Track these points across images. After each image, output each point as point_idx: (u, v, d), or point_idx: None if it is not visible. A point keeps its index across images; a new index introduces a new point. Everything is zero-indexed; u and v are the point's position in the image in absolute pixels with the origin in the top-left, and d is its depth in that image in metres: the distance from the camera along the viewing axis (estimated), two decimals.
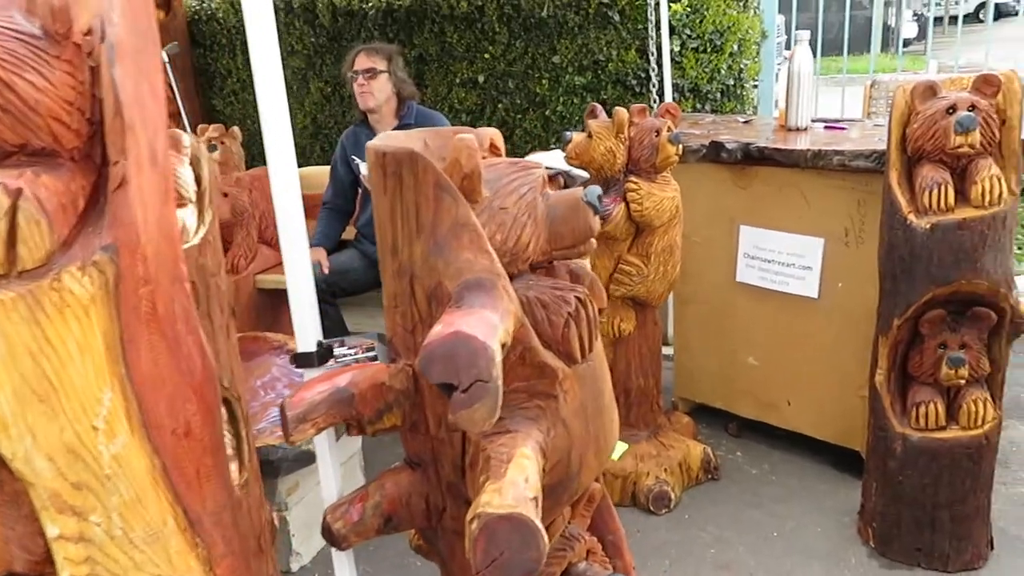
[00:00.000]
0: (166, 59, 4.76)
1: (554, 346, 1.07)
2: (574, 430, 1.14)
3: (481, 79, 4.38)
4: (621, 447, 2.54)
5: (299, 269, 1.24)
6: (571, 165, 2.38)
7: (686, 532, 2.41)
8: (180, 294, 1.05)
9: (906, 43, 15.93)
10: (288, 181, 1.21)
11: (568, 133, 2.32)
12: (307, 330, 1.27)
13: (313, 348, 1.28)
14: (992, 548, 2.20)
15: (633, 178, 2.30)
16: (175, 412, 1.00)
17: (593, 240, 1.13)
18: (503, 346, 0.96)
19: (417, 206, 1.06)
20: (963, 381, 2.06)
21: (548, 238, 1.09)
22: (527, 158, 3.26)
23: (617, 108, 2.26)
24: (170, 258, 1.04)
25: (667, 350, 2.93)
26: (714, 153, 2.59)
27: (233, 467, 1.63)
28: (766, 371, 2.75)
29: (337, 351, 2.26)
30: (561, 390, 1.11)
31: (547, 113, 4.30)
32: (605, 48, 4.15)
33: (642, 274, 2.36)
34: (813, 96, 2.64)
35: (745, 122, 2.95)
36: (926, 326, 2.07)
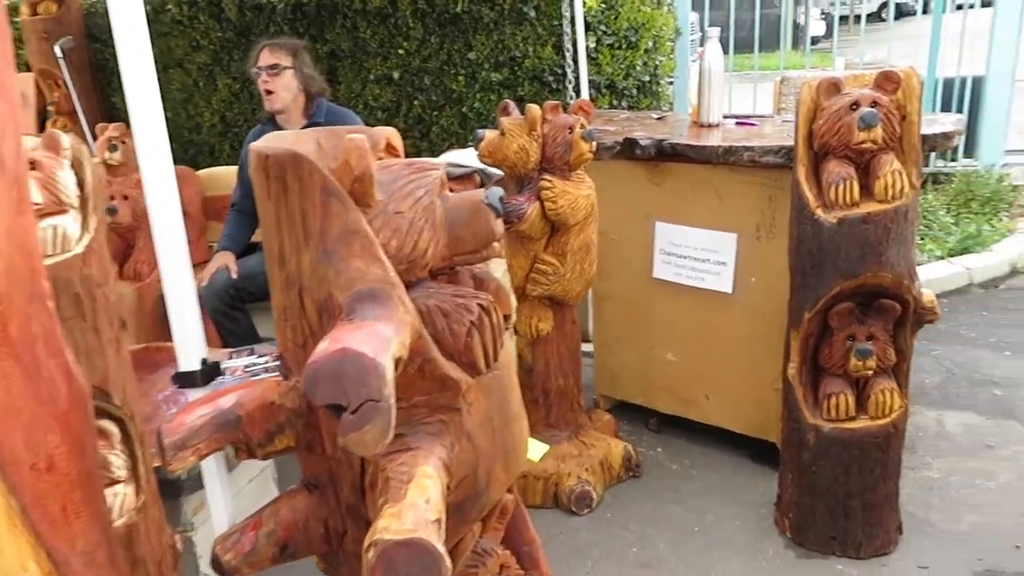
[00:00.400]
0: (60, 54, 4.51)
1: (456, 357, 1.02)
2: (480, 443, 1.09)
3: (396, 75, 4.29)
4: (542, 448, 2.51)
5: (178, 280, 1.15)
6: (484, 163, 2.32)
7: (608, 531, 2.40)
8: (40, 313, 0.96)
9: (814, 41, 16.41)
10: (162, 183, 1.12)
11: (480, 131, 2.27)
12: (190, 346, 1.18)
13: (196, 366, 1.19)
14: (901, 532, 2.25)
15: (547, 176, 2.26)
16: (34, 445, 0.90)
17: (496, 244, 1.08)
18: (398, 361, 0.91)
19: (304, 212, 0.98)
20: (871, 372, 2.10)
21: (448, 243, 1.03)
22: (443, 156, 3.20)
23: (529, 105, 2.22)
24: (27, 273, 0.94)
25: (587, 347, 2.91)
26: (628, 150, 2.58)
27: (129, 490, 1.52)
28: (684, 367, 2.76)
29: (247, 359, 2.15)
30: (465, 402, 1.06)
31: (464, 110, 4.24)
32: (521, 44, 4.12)
33: (558, 273, 2.33)
34: (724, 92, 2.66)
35: (659, 118, 2.95)
36: (835, 319, 2.10)
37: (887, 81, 2.01)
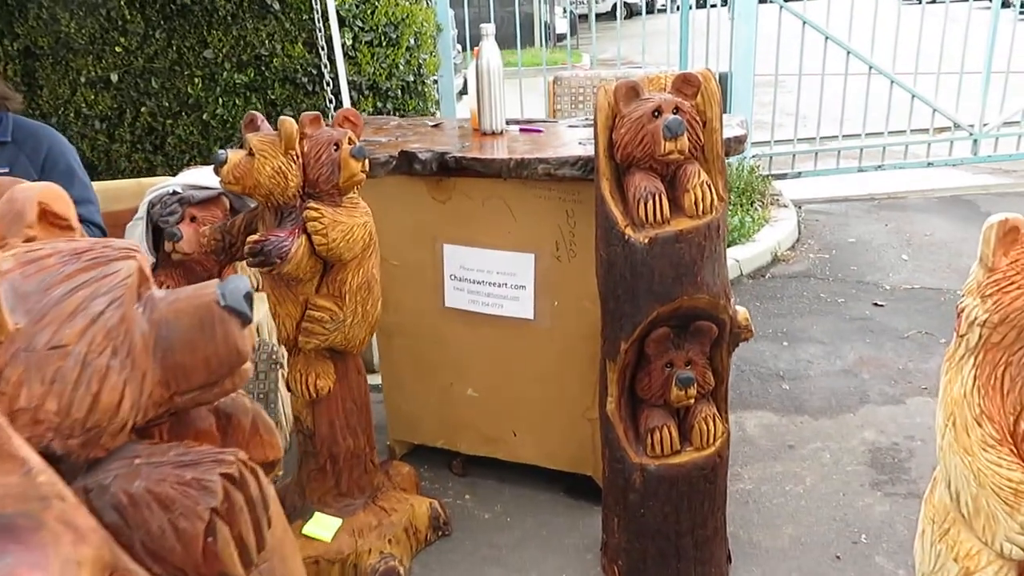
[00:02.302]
0: None
1: (193, 570, 0.62)
2: None
3: (115, 77, 3.59)
4: (334, 524, 2.11)
5: None
6: (231, 191, 1.86)
7: None
8: None
9: (560, 38, 17.14)
10: None
11: (222, 152, 1.80)
12: None
13: None
14: (731, 562, 2.14)
15: (313, 203, 1.85)
16: None
17: (248, 366, 0.68)
18: None
19: None
20: (692, 400, 1.94)
21: (164, 378, 0.63)
22: (182, 175, 2.64)
23: (283, 118, 1.79)
24: None
25: (374, 378, 2.54)
26: (406, 164, 2.23)
27: None
28: (487, 402, 2.48)
29: None
30: None
31: (204, 117, 3.65)
32: (267, 41, 3.61)
33: (337, 319, 1.93)
34: (504, 96, 2.39)
35: (435, 125, 2.63)
36: (652, 346, 1.91)
37: (686, 85, 1.84)
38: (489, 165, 2.13)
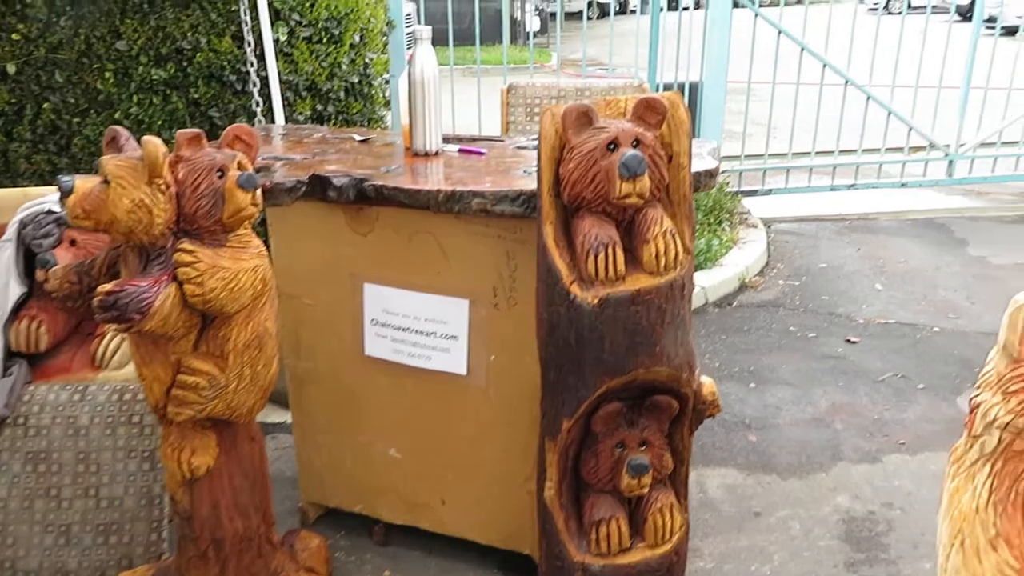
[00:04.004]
0: None
1: None
2: None
3: (12, 69, 3.17)
4: None
5: None
6: (81, 226, 1.49)
7: None
8: None
9: (531, 36, 16.85)
10: None
11: (67, 179, 1.44)
12: None
13: None
14: None
15: (187, 244, 1.50)
16: None
17: None
18: None
19: None
20: (647, 489, 1.63)
21: None
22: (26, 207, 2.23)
23: (147, 139, 1.43)
24: None
25: (284, 414, 2.18)
26: (319, 190, 1.88)
27: None
28: (412, 464, 2.14)
29: None
30: None
31: (116, 116, 3.24)
32: (190, 33, 3.22)
33: (217, 384, 1.58)
34: (441, 111, 2.05)
35: (363, 140, 2.28)
36: (600, 424, 1.59)
37: (649, 112, 1.52)
38: (415, 197, 1.78)
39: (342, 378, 2.13)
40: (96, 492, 1.91)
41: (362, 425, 2.16)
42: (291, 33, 3.39)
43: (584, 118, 1.50)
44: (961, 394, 3.03)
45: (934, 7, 5.45)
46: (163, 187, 1.46)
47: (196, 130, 1.54)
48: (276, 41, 3.29)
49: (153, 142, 1.42)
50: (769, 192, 5.30)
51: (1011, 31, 6.37)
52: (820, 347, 3.45)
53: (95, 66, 3.21)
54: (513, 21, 13.88)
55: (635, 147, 1.46)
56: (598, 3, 17.98)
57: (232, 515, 1.76)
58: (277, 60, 3.30)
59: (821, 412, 2.95)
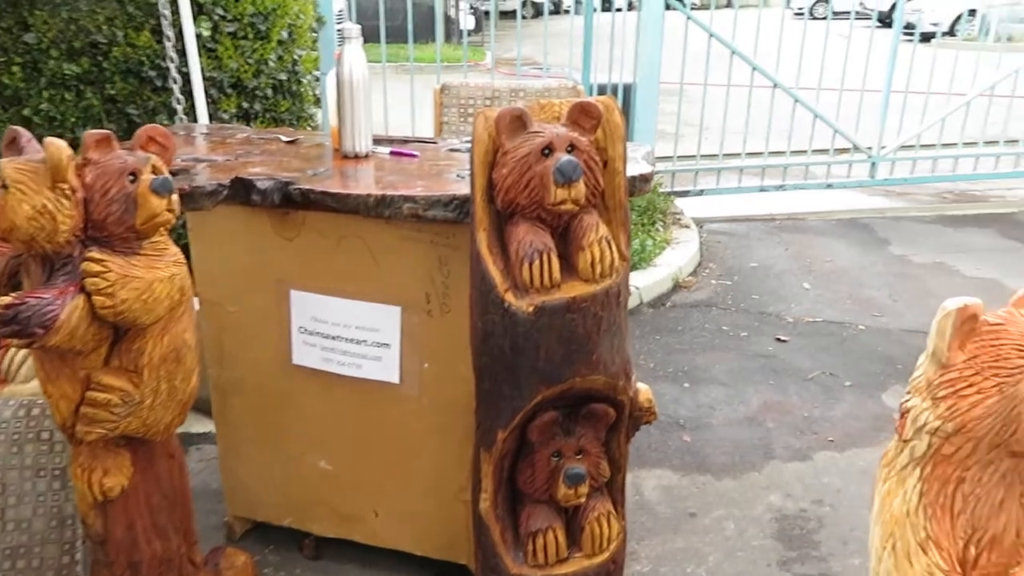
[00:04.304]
0: None
1: None
2: None
3: None
4: None
5: None
6: None
7: None
8: None
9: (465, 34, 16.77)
10: None
11: None
12: None
13: None
14: None
15: (95, 252, 1.40)
16: None
17: None
18: None
19: None
20: (584, 498, 1.60)
21: None
22: None
23: (49, 140, 1.34)
24: None
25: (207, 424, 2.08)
26: (242, 194, 1.79)
27: None
28: (344, 476, 2.08)
29: None
30: None
31: (25, 112, 3.08)
32: (105, 27, 3.07)
33: (131, 400, 1.49)
34: (371, 112, 1.99)
35: (290, 141, 2.20)
36: (536, 433, 1.56)
37: (584, 116, 1.49)
38: (343, 201, 1.72)
39: (269, 388, 2.05)
40: (2, 514, 1.78)
41: (290, 436, 2.08)
42: (215, 28, 3.27)
43: (518, 122, 1.46)
44: (886, 391, 3.12)
45: (856, 13, 5.62)
46: (68, 192, 1.36)
47: (105, 131, 1.44)
48: (199, 36, 3.16)
49: (56, 144, 1.33)
50: (701, 193, 5.38)
51: (928, 37, 6.62)
52: (752, 346, 3.51)
53: (2, 60, 3.03)
54: (448, 19, 13.78)
55: (570, 152, 1.43)
56: (532, 2, 18.01)
57: (150, 537, 1.66)
58: (200, 56, 3.17)
59: (753, 411, 2.99)
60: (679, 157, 5.34)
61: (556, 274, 1.44)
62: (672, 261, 4.22)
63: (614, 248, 1.48)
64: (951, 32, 10.39)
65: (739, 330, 3.65)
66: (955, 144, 5.68)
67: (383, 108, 4.68)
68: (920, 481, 1.31)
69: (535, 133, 1.45)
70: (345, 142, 1.98)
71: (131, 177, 1.43)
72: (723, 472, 2.63)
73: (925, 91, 5.44)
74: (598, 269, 1.45)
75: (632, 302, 3.85)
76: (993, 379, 1.22)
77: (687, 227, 4.78)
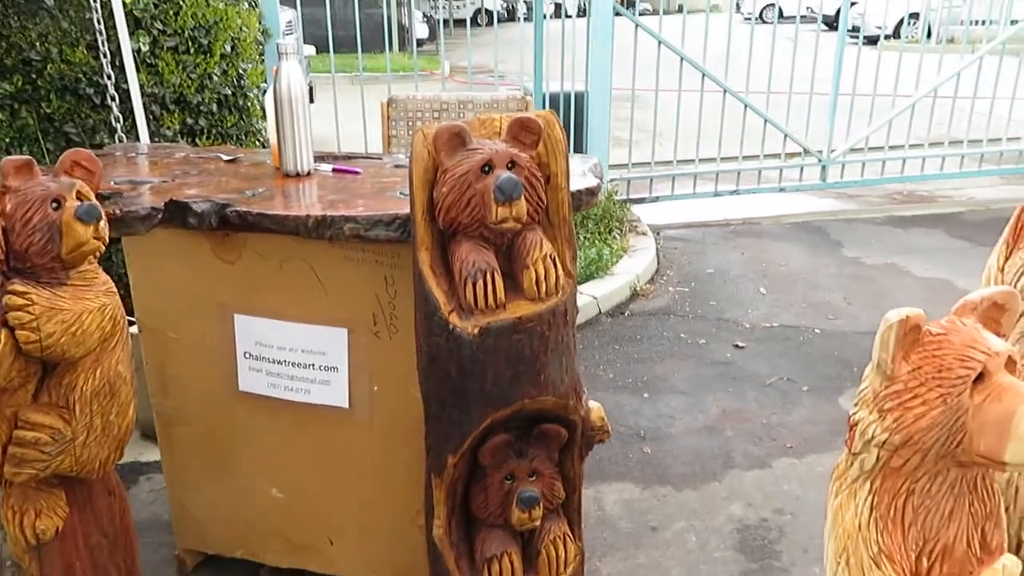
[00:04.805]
0: None
1: None
2: None
3: None
4: None
5: None
6: None
7: None
8: None
9: (419, 43, 16.71)
10: None
11: None
12: None
13: None
14: None
15: (19, 284, 1.34)
16: None
17: None
18: None
19: None
20: (538, 522, 1.57)
21: None
22: None
23: None
24: None
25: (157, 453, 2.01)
26: (178, 217, 1.73)
27: None
28: (296, 504, 2.02)
29: None
30: None
31: None
32: (39, 43, 2.98)
33: (62, 438, 1.42)
34: (311, 128, 1.94)
35: (230, 160, 2.14)
36: (487, 456, 1.53)
37: (524, 132, 1.46)
38: (282, 223, 1.67)
39: (215, 416, 1.98)
40: None
41: (239, 465, 2.02)
42: (154, 43, 3.19)
43: (457, 139, 1.43)
44: (843, 394, 3.14)
45: (803, 17, 5.70)
46: None
47: (26, 157, 1.38)
48: (137, 51, 3.08)
49: None
50: (657, 199, 5.40)
51: (873, 40, 6.74)
52: (710, 353, 3.51)
53: None
54: (401, 28, 13.72)
55: (510, 169, 1.41)
56: (487, 10, 18.03)
57: None
58: (140, 71, 3.09)
59: (712, 419, 2.99)
60: (634, 164, 5.36)
61: (501, 294, 1.41)
62: (630, 269, 4.22)
63: (559, 265, 1.45)
64: (896, 35, 10.60)
65: (697, 337, 3.66)
66: (902, 146, 5.79)
67: (335, 121, 4.62)
68: (870, 494, 1.31)
69: (474, 150, 1.42)
70: (286, 161, 1.93)
71: (54, 204, 1.37)
72: (684, 483, 2.62)
73: (871, 93, 5.53)
74: (543, 287, 1.43)
75: (590, 312, 3.84)
76: (937, 390, 1.22)
77: (644, 234, 4.79)
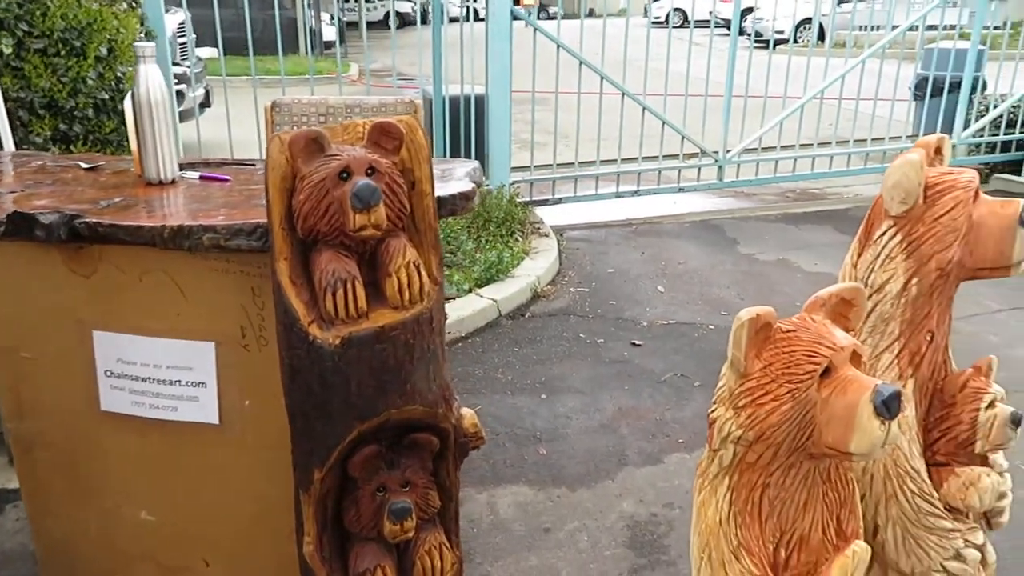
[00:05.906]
0: None
1: None
2: None
3: None
4: None
5: None
6: None
7: None
8: None
9: (329, 46, 16.40)
10: None
11: None
12: None
13: None
14: None
15: None
16: None
17: None
18: None
19: None
20: (411, 533, 1.54)
21: None
22: None
23: None
24: None
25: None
26: (24, 230, 1.63)
27: None
28: (167, 526, 1.93)
29: None
30: None
31: None
32: None
33: None
34: (172, 134, 1.86)
35: (90, 168, 2.03)
36: (357, 469, 1.49)
37: (385, 137, 1.44)
38: (136, 234, 1.59)
39: (77, 437, 1.88)
40: None
41: (105, 488, 1.92)
42: (19, 44, 3.01)
43: (314, 145, 1.39)
44: None
45: (697, 21, 5.85)
46: None
47: None
48: (0, 54, 2.90)
49: None
50: (559, 201, 5.45)
51: (777, 44, 6.98)
52: (608, 352, 3.56)
53: None
54: (311, 31, 13.45)
55: (370, 175, 1.37)
56: (397, 13, 17.88)
57: None
58: (3, 75, 2.92)
59: (608, 418, 3.02)
60: (537, 166, 5.39)
61: (362, 303, 1.37)
62: (531, 271, 4.24)
63: (423, 272, 1.43)
64: (794, 39, 11.03)
65: (596, 337, 3.70)
66: (794, 146, 6.01)
67: (227, 125, 4.48)
68: (729, 490, 1.33)
69: (332, 156, 1.38)
70: (148, 168, 1.85)
71: None
72: (578, 483, 2.63)
73: (763, 95, 5.72)
74: (407, 295, 1.40)
75: (491, 315, 3.83)
76: (786, 386, 1.25)
77: (546, 236, 4.82)
